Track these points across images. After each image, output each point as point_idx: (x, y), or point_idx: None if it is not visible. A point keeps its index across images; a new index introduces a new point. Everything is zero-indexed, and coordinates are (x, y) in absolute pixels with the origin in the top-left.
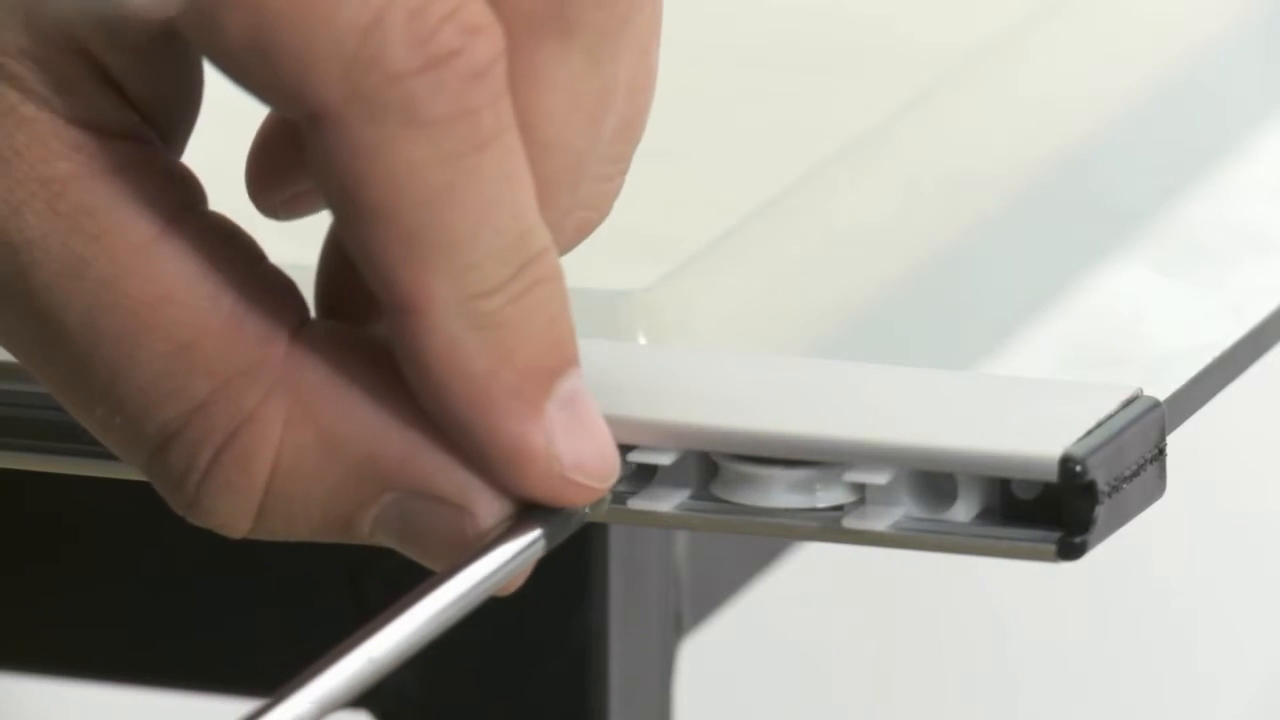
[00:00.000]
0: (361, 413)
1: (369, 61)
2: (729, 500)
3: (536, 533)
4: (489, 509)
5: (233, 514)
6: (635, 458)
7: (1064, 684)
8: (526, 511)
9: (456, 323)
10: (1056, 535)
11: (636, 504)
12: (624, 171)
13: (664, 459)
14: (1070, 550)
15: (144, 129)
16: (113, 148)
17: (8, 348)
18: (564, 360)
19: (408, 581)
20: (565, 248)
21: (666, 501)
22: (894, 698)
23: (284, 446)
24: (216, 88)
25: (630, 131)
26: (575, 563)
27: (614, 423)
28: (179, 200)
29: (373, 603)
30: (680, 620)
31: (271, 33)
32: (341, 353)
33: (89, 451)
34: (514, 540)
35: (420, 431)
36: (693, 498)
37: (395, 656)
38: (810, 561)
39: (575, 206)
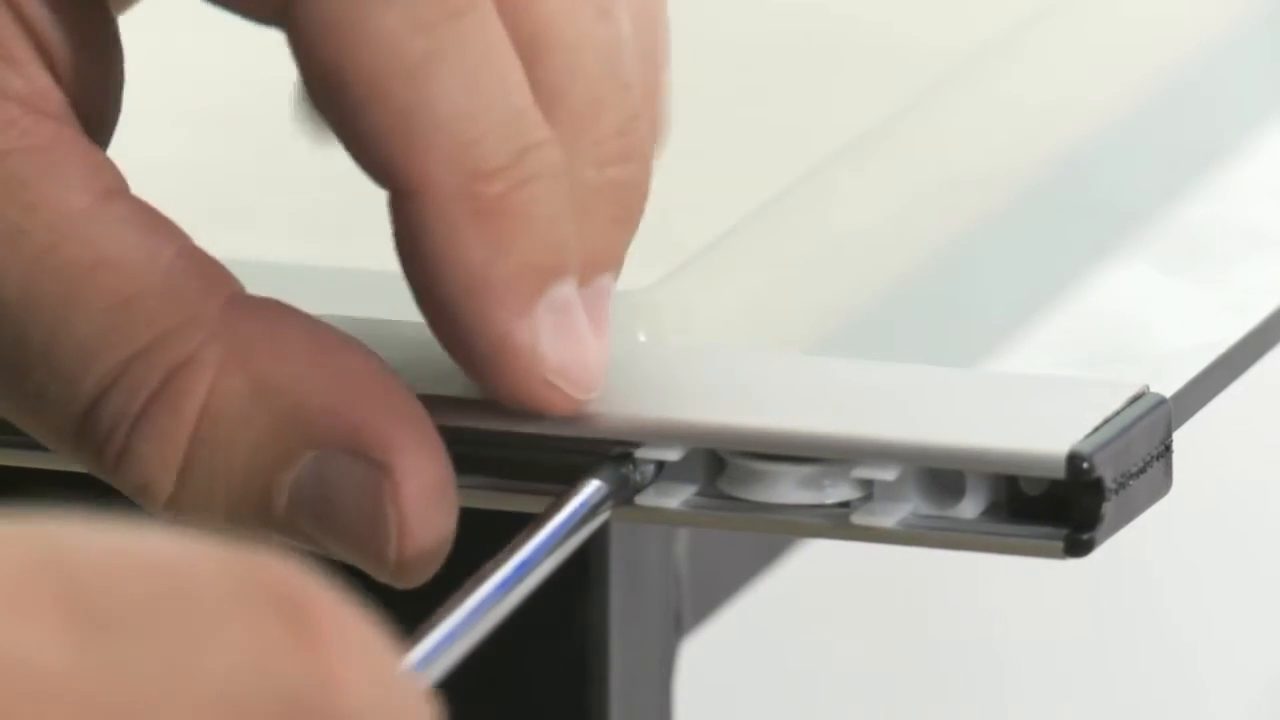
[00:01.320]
0: (293, 363)
1: None
2: (736, 496)
3: (595, 483)
4: (411, 469)
5: (157, 467)
6: (642, 454)
7: (1064, 686)
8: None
9: (456, 207)
10: (1064, 532)
11: (644, 500)
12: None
13: (671, 455)
14: (1078, 547)
15: (71, 114)
16: (45, 126)
17: None
18: (560, 263)
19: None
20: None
21: (673, 498)
22: (895, 699)
23: (215, 390)
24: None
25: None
26: (575, 562)
27: (620, 420)
28: (108, 181)
29: (372, 602)
30: (680, 620)
31: None
32: (276, 314)
33: None
34: (577, 497)
35: (348, 387)
36: (699, 494)
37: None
38: (811, 561)
39: (616, 133)
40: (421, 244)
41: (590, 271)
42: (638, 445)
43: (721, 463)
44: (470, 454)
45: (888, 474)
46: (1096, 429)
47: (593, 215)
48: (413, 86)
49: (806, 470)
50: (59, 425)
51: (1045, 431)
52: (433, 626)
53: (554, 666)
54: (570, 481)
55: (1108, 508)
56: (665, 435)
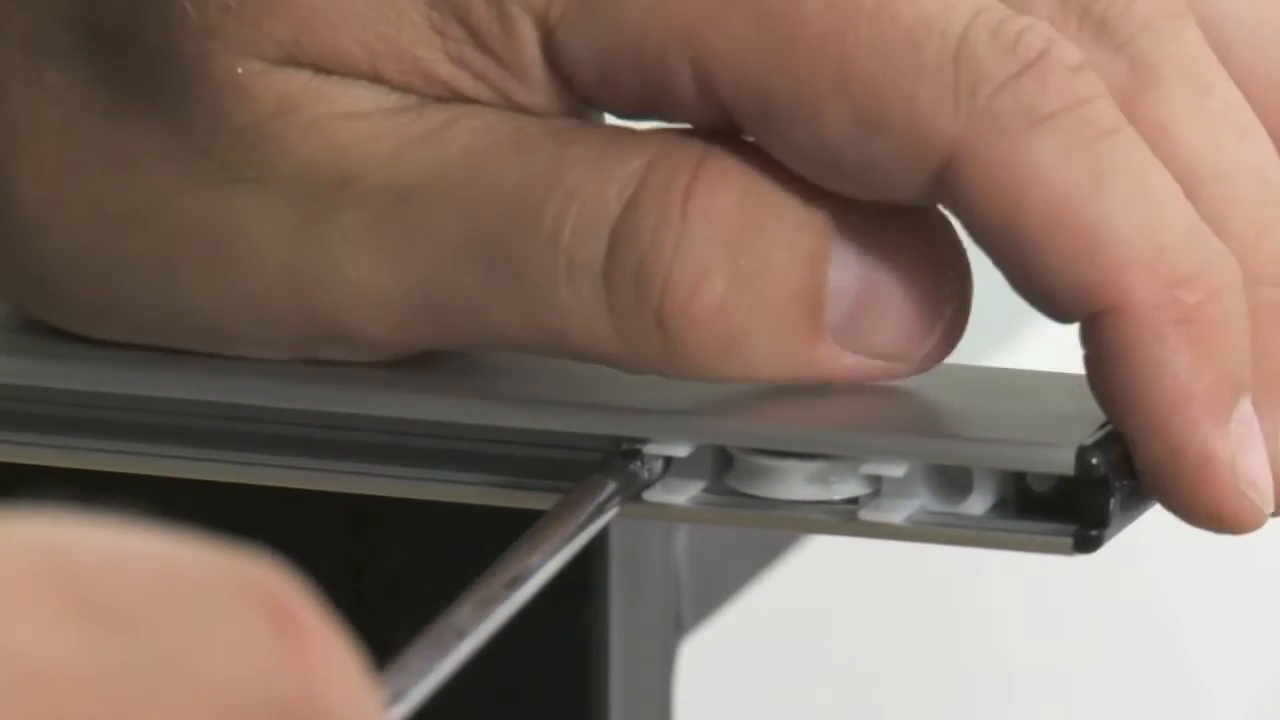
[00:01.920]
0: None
1: (972, 84)
2: (744, 492)
3: (605, 480)
4: None
5: (704, 256)
6: (650, 450)
7: (1065, 686)
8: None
9: (1159, 315)
10: (1072, 528)
11: (651, 497)
12: None
13: (679, 451)
14: (1086, 543)
15: None
16: None
17: None
18: (1245, 376)
19: (408, 581)
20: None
21: (681, 494)
22: (895, 700)
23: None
24: None
25: None
26: (575, 562)
27: (631, 417)
28: None
29: (373, 603)
30: (680, 620)
31: (874, 102)
32: None
33: (94, 447)
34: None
35: None
36: (707, 490)
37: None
38: (811, 562)
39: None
40: (1127, 356)
41: (1265, 388)
42: (645, 441)
43: (729, 459)
44: (475, 451)
45: (896, 470)
46: (1104, 425)
47: (1266, 332)
48: (1090, 205)
49: (814, 466)
50: (578, 279)
51: (1053, 428)
52: (448, 622)
53: (554, 667)
54: (578, 479)
55: (1115, 504)
56: (674, 431)
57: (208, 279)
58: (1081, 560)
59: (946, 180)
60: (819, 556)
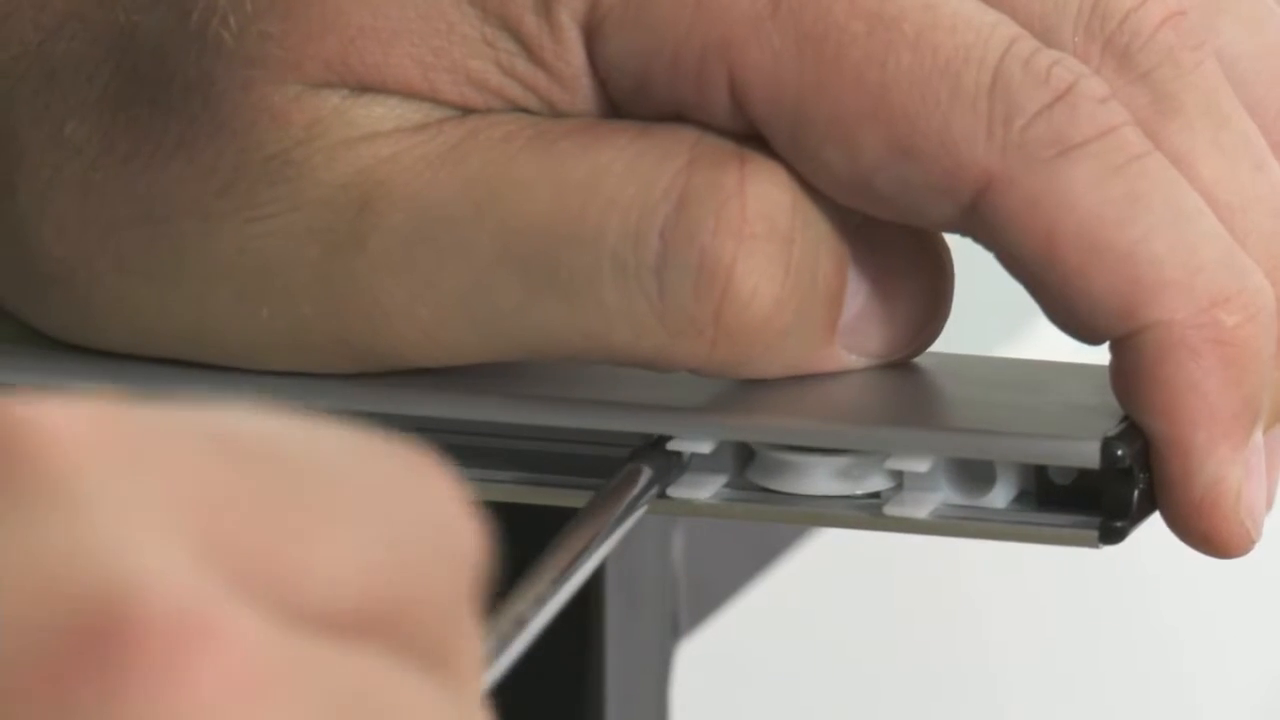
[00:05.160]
0: None
1: (1006, 114)
2: (767, 487)
3: (648, 473)
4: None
5: (760, 276)
6: (673, 445)
7: (1060, 690)
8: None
9: (1196, 335)
10: (1098, 520)
11: (675, 492)
12: None
13: (703, 446)
14: (1111, 535)
15: None
16: None
17: None
18: (1263, 404)
19: None
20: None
21: (705, 489)
22: (891, 703)
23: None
24: None
25: None
26: None
27: (655, 413)
28: None
29: None
30: (677, 623)
31: (910, 130)
32: None
33: None
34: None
35: None
36: (729, 485)
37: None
38: (808, 565)
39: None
40: (1158, 371)
41: (1269, 421)
42: (669, 438)
43: (750, 454)
44: (497, 448)
45: (920, 465)
46: (1125, 417)
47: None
48: (1126, 228)
49: (838, 461)
50: (643, 315)
51: (1075, 420)
52: (506, 614)
53: (551, 669)
54: (601, 475)
55: (1139, 496)
56: (700, 427)
57: (240, 319)
58: (1079, 563)
59: (979, 210)
60: (815, 559)
